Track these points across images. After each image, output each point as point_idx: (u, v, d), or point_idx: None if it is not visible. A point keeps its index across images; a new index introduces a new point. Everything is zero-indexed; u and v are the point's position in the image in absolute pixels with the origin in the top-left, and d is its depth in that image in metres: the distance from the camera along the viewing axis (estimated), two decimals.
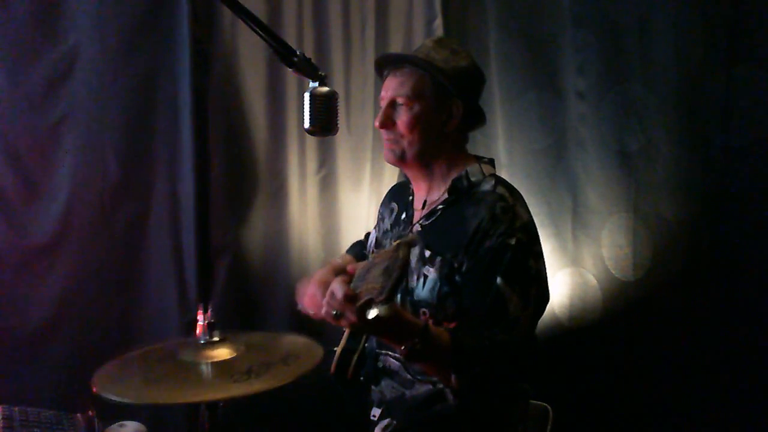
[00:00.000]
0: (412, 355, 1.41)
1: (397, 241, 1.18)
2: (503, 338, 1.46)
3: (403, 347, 1.40)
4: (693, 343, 2.43)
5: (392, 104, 1.64)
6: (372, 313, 1.18)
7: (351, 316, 1.31)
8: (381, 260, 1.20)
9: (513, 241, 1.51)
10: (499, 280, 1.48)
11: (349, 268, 1.47)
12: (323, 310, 1.37)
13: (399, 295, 1.63)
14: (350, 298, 1.30)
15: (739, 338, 2.38)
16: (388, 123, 1.63)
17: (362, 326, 1.33)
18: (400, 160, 1.67)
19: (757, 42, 2.36)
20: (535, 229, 1.60)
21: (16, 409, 1.73)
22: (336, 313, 1.33)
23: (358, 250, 1.99)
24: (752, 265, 2.38)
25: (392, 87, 1.64)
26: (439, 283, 1.56)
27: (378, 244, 1.88)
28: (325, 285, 1.71)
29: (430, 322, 1.51)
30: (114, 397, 1.24)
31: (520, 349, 1.50)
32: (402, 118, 1.62)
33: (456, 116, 1.63)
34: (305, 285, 1.69)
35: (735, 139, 2.39)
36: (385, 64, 1.70)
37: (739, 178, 2.40)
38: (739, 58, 2.37)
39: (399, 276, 1.14)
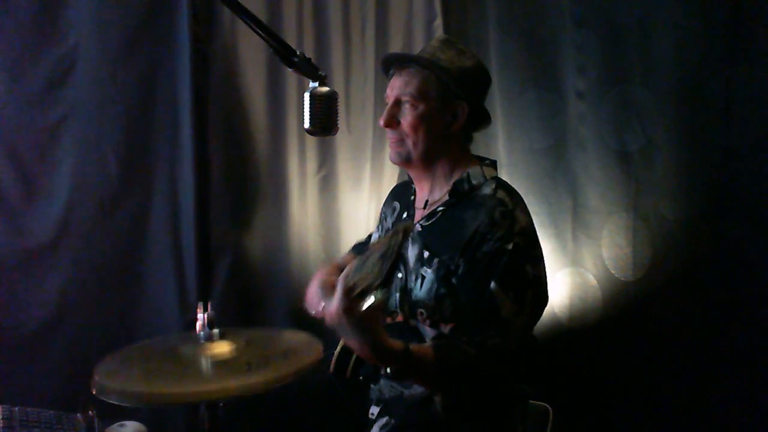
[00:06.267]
0: (398, 376, 1.41)
1: (394, 228, 1.16)
2: (494, 342, 1.45)
3: (385, 369, 1.39)
4: (693, 343, 2.43)
5: (397, 103, 1.64)
6: (368, 302, 1.15)
7: (345, 302, 1.24)
8: (377, 249, 1.18)
9: (510, 246, 1.50)
10: (493, 284, 1.48)
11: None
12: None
13: (397, 295, 1.63)
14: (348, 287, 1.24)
15: (739, 338, 2.37)
16: (392, 122, 1.63)
17: (353, 322, 1.26)
18: (406, 161, 1.67)
19: (757, 42, 2.35)
20: (535, 232, 1.59)
21: (16, 409, 1.73)
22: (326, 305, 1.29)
23: (361, 250, 1.98)
24: (752, 264, 2.37)
25: (397, 86, 1.64)
26: (435, 285, 1.56)
27: None
28: (325, 283, 1.70)
29: (424, 324, 1.49)
30: (114, 400, 1.23)
31: (513, 352, 1.49)
32: (407, 118, 1.62)
33: (461, 118, 1.64)
34: (310, 286, 1.70)
35: (735, 139, 2.39)
36: (391, 63, 1.70)
37: (739, 178, 2.40)
38: (739, 58, 2.37)
39: (394, 261, 1.13)
